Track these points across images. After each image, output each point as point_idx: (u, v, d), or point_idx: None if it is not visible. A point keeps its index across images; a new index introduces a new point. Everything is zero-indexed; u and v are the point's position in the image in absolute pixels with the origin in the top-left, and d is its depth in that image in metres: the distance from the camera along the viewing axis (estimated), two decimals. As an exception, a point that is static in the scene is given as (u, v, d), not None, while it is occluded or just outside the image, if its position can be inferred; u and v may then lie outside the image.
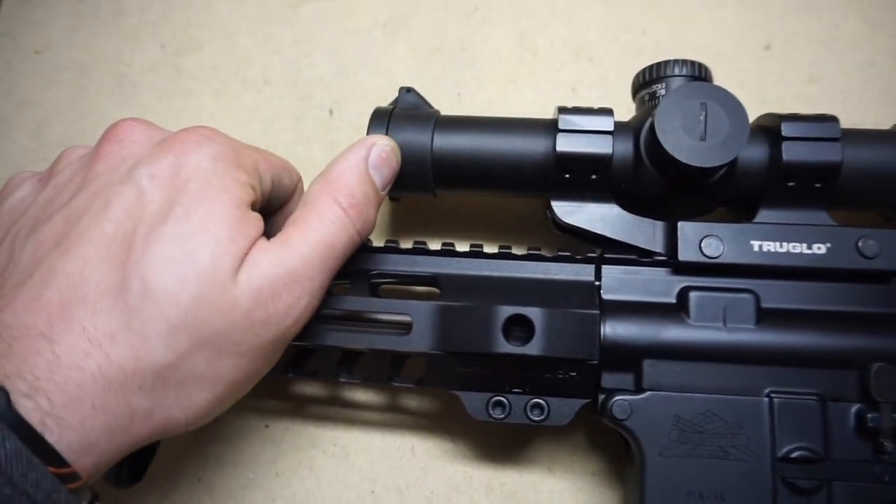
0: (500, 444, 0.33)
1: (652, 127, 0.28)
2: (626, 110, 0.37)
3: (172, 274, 0.22)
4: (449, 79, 0.38)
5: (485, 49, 0.39)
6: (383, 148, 0.29)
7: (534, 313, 0.27)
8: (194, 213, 0.23)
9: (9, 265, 0.24)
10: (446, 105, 0.37)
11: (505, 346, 0.27)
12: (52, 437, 0.20)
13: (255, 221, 0.25)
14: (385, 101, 0.38)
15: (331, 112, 0.38)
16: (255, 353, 0.24)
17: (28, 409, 0.19)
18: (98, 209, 0.23)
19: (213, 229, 0.23)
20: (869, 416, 0.26)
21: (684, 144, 0.27)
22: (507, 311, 0.27)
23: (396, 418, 0.34)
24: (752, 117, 0.31)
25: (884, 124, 0.31)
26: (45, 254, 0.23)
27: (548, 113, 0.37)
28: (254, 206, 0.26)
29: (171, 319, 0.22)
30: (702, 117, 0.27)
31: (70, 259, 0.22)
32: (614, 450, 0.32)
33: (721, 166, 0.27)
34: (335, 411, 0.34)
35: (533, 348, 0.27)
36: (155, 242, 0.22)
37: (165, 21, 0.40)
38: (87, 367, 0.21)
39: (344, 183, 0.27)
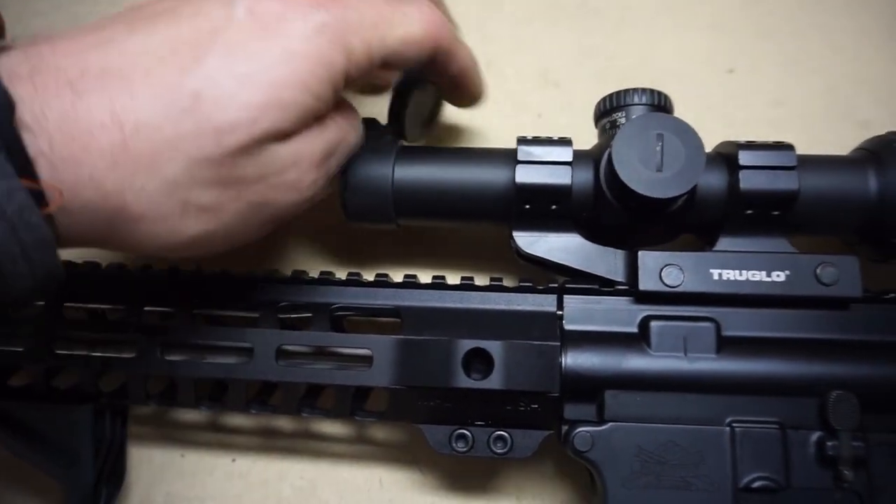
0: (468, 474, 0.33)
1: (610, 158, 0.28)
2: (592, 137, 0.37)
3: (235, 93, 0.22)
4: (416, 106, 0.38)
5: (452, 76, 0.39)
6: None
7: (493, 346, 0.27)
8: (269, 64, 0.23)
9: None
10: (413, 132, 0.37)
11: (465, 381, 0.27)
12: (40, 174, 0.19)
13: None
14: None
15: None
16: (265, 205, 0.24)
17: (25, 139, 0.19)
18: (186, 12, 0.23)
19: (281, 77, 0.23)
20: (829, 444, 0.26)
21: (641, 176, 0.27)
22: (466, 344, 0.27)
23: (364, 450, 0.34)
24: (717, 141, 0.31)
25: (847, 148, 0.32)
26: (111, 23, 0.22)
27: (514, 139, 0.38)
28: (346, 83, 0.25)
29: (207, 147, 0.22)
30: (658, 148, 0.27)
31: (133, 38, 0.22)
32: (582, 479, 0.32)
33: (678, 197, 0.27)
34: (302, 444, 0.34)
35: (493, 382, 0.27)
36: (223, 65, 0.22)
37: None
38: (99, 139, 0.20)
39: None
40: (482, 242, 0.36)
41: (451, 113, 0.38)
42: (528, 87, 0.39)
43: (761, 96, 0.37)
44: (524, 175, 0.29)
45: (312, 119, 0.25)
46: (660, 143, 0.27)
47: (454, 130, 0.38)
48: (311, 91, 0.24)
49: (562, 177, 0.29)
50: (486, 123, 0.38)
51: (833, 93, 0.37)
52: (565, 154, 0.29)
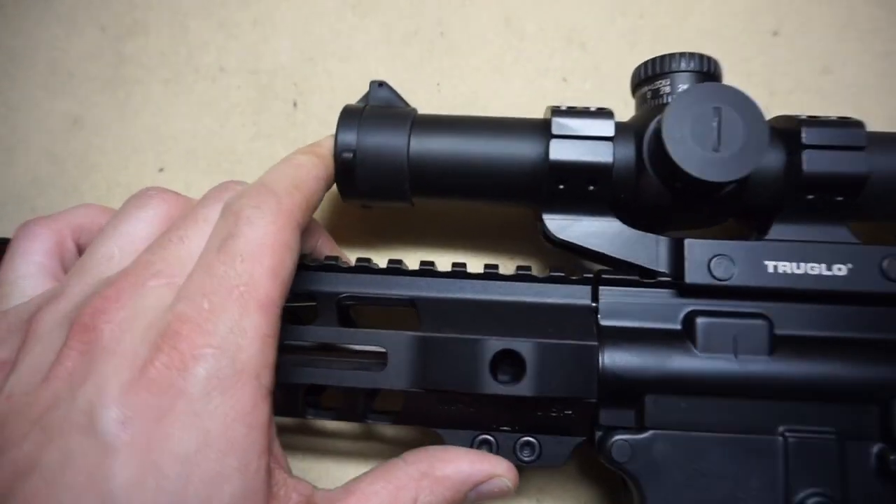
0: (486, 476, 0.30)
1: (658, 134, 0.24)
2: (622, 104, 0.34)
3: None
4: (427, 67, 0.35)
5: (467, 33, 0.35)
6: None
7: (524, 347, 0.24)
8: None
9: None
10: (424, 98, 0.34)
11: (493, 386, 0.24)
12: None
13: None
14: (355, 92, 0.34)
15: (295, 104, 0.34)
16: None
17: None
18: (51, 465, 0.18)
19: None
20: (891, 457, 0.23)
21: (695, 155, 0.24)
22: (494, 345, 0.24)
23: (372, 447, 0.31)
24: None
25: (902, 122, 0.28)
26: None
27: (537, 107, 0.34)
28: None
29: None
30: (714, 124, 0.24)
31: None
32: (608, 481, 0.29)
33: (736, 180, 0.24)
34: (305, 440, 0.31)
35: (524, 388, 0.24)
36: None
37: (106, 0, 0.36)
38: None
39: None
40: (504, 224, 0.32)
41: (466, 76, 0.34)
42: (552, 48, 0.35)
43: (808, 62, 0.34)
44: (559, 151, 0.25)
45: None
46: (716, 119, 0.24)
47: (470, 96, 0.34)
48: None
49: (602, 154, 0.25)
50: (505, 87, 0.34)
51: (888, 59, 0.34)
52: (606, 128, 0.25)
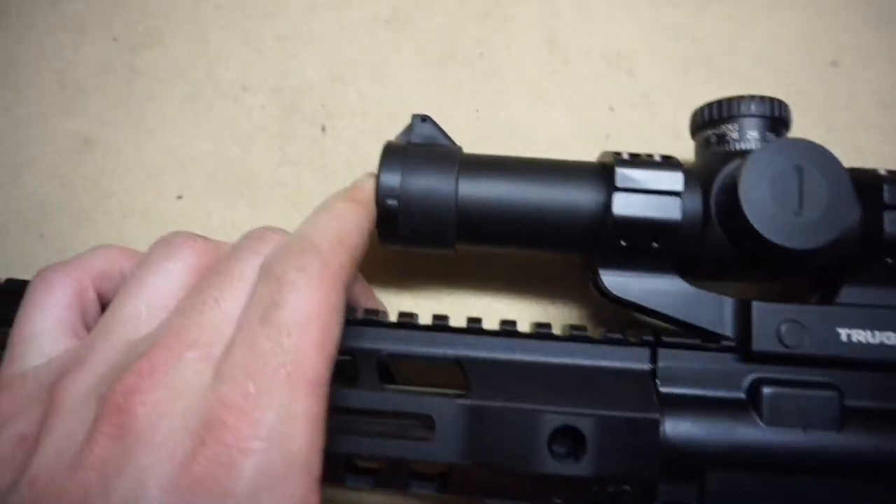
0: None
1: (732, 192, 0.23)
2: (671, 136, 0.32)
3: None
4: (465, 91, 0.32)
5: (507, 55, 0.33)
6: None
7: (585, 423, 0.22)
8: None
9: None
10: (461, 125, 0.32)
11: (551, 465, 0.22)
12: None
13: None
14: (387, 117, 0.32)
15: (323, 129, 0.32)
16: None
17: None
18: None
19: None
20: (970, 542, 0.22)
21: (775, 220, 0.22)
22: (553, 419, 0.22)
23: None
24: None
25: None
26: None
27: (582, 138, 0.32)
28: None
29: None
30: (796, 184, 0.22)
31: None
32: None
33: (820, 248, 0.22)
34: (332, 492, 0.29)
35: (584, 468, 0.22)
36: None
37: (118, 6, 0.33)
38: None
39: None
40: (546, 265, 0.30)
41: (507, 102, 0.32)
42: (598, 73, 0.33)
43: (869, 96, 0.32)
44: (624, 206, 0.24)
45: None
46: (798, 178, 0.22)
47: (510, 124, 0.32)
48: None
49: (670, 210, 0.23)
50: (548, 115, 0.32)
51: (953, 96, 0.32)
52: (675, 181, 0.24)
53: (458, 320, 0.25)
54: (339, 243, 0.21)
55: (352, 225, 0.23)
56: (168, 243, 0.23)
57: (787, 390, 0.24)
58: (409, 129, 0.27)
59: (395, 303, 0.31)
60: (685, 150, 0.32)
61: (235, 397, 0.18)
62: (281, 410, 0.18)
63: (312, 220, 0.23)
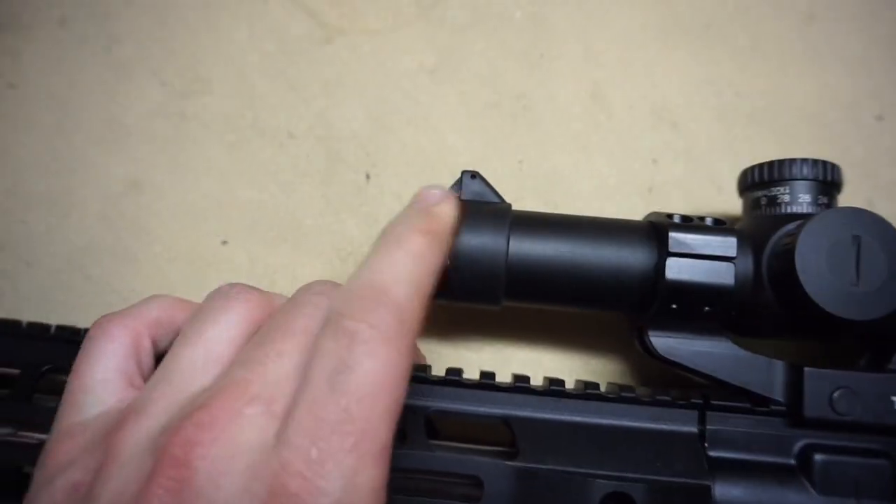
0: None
1: (789, 261, 0.22)
2: (714, 190, 0.32)
3: None
4: (508, 142, 0.33)
5: (551, 106, 0.33)
6: None
7: (637, 490, 0.22)
8: None
9: None
10: (504, 175, 0.32)
11: (602, 534, 0.22)
12: None
13: None
14: (430, 166, 0.33)
15: (367, 177, 0.32)
16: None
17: None
18: None
19: None
20: None
21: (832, 290, 0.22)
22: (604, 486, 0.22)
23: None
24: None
25: None
26: None
27: (625, 191, 0.32)
28: None
29: None
30: (853, 255, 0.22)
31: None
32: None
33: (877, 319, 0.22)
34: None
35: (636, 537, 0.22)
36: None
37: (167, 54, 0.34)
38: None
39: None
40: (586, 319, 0.30)
41: (549, 154, 0.32)
42: (641, 126, 0.33)
43: (914, 152, 0.32)
44: (677, 270, 0.24)
45: None
46: (855, 248, 0.22)
47: (553, 175, 0.32)
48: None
49: (724, 276, 0.23)
50: (591, 167, 0.32)
51: None
52: (728, 246, 0.24)
53: (501, 374, 0.25)
54: (416, 292, 0.20)
55: (429, 268, 0.21)
56: (225, 295, 0.23)
57: (838, 458, 0.23)
58: (457, 185, 0.27)
59: (434, 351, 0.31)
60: (726, 203, 0.32)
61: (300, 465, 0.17)
62: (346, 482, 0.18)
63: (384, 256, 0.20)
